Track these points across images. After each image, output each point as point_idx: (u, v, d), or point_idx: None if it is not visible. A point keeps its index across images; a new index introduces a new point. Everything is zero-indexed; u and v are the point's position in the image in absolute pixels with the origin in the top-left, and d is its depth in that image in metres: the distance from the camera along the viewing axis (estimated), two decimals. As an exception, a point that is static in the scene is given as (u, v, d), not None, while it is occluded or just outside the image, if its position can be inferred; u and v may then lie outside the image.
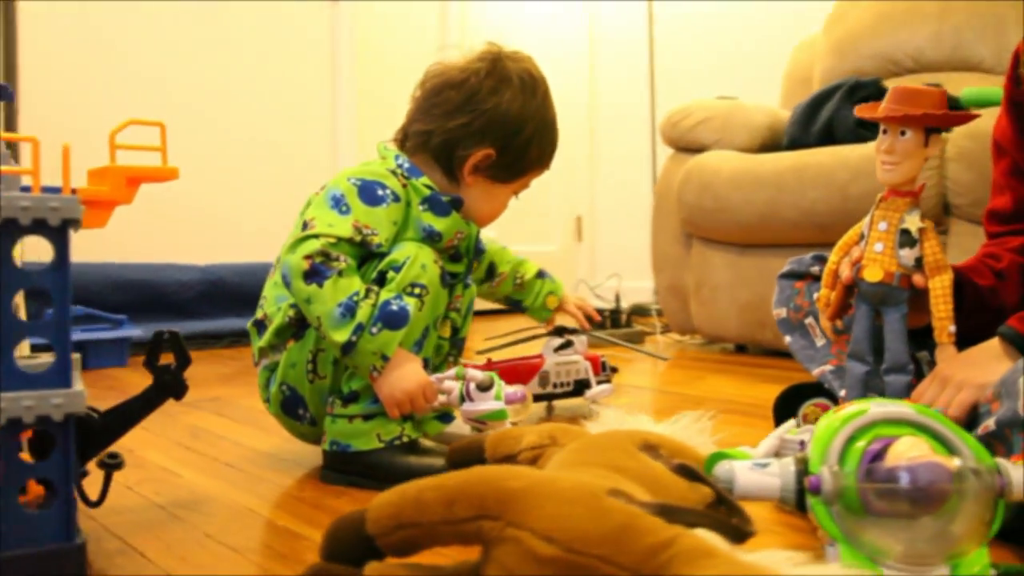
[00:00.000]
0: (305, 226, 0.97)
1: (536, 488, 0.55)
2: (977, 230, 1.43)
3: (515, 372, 1.33)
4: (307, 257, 0.92)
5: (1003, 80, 1.07)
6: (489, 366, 1.31)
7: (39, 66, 2.22)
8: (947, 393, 0.86)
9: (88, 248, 2.19)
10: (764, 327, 1.98)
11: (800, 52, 2.60)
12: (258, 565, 0.73)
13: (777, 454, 0.75)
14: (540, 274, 1.36)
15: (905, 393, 0.92)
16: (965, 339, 0.92)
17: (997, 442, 0.76)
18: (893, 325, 0.93)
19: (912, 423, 0.64)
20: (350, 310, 0.91)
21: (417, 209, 1.03)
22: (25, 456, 0.72)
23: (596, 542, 0.51)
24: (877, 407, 0.65)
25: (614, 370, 1.45)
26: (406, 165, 1.06)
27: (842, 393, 1.01)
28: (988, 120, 1.11)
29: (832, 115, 2.02)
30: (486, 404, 0.92)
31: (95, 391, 1.59)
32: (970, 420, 0.84)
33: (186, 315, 2.28)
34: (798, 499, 0.63)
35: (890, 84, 2.18)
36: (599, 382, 1.38)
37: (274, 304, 1.04)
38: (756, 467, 0.65)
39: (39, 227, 0.60)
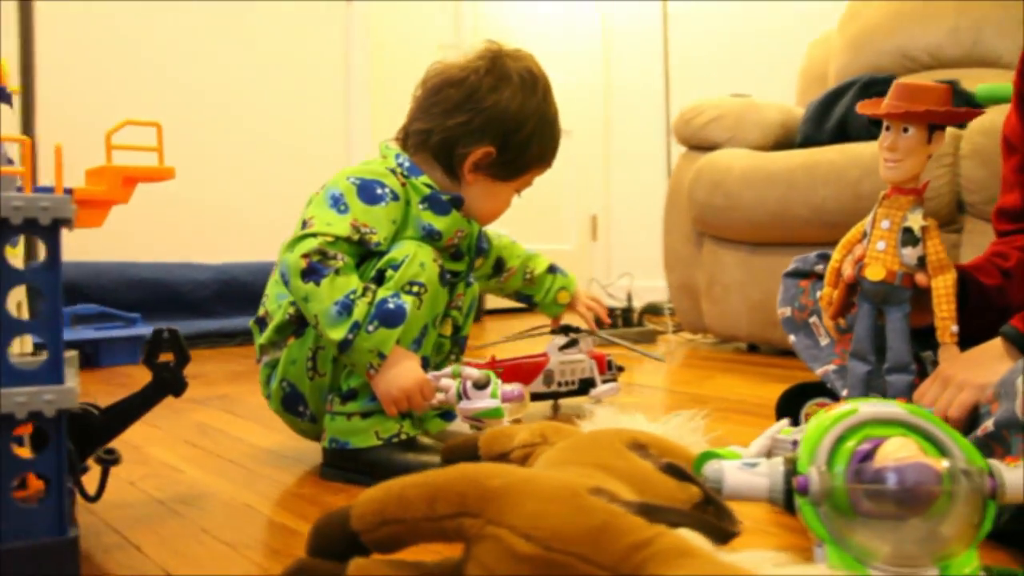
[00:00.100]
0: (304, 225, 0.97)
1: (517, 486, 0.55)
2: (992, 228, 1.41)
3: (519, 371, 1.33)
4: (305, 256, 0.93)
5: None
6: (493, 364, 1.31)
7: (56, 66, 2.24)
8: (948, 393, 0.85)
9: (105, 247, 2.23)
10: (775, 326, 1.95)
11: (815, 49, 2.58)
12: (251, 560, 0.73)
13: (769, 454, 0.74)
14: (552, 269, 1.34)
15: (907, 393, 0.91)
16: (971, 339, 0.90)
17: (996, 443, 0.75)
18: (895, 324, 0.92)
19: (903, 423, 0.63)
20: (347, 308, 0.91)
21: (416, 208, 1.03)
22: (24, 451, 0.74)
23: (574, 540, 0.51)
24: (867, 407, 0.64)
25: (620, 369, 1.44)
26: (406, 164, 1.06)
27: (844, 393, 1.00)
28: (1003, 117, 1.10)
29: (846, 112, 2.00)
30: (482, 402, 0.92)
31: (108, 388, 1.61)
32: (971, 421, 0.83)
33: (200, 314, 2.31)
34: (786, 499, 0.63)
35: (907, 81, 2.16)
36: (604, 381, 1.37)
37: (275, 302, 1.04)
38: (745, 467, 0.64)
39: (31, 226, 0.61)
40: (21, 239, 0.93)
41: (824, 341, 1.10)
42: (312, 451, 1.09)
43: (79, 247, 2.16)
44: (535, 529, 0.52)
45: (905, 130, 0.89)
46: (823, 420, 0.64)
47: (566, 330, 1.38)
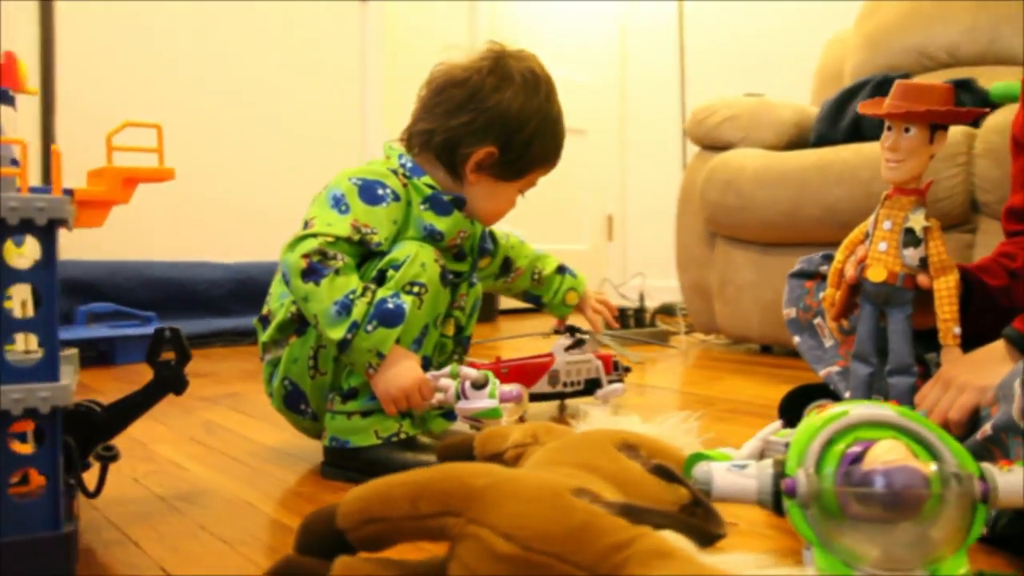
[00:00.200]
0: (305, 225, 0.98)
1: (500, 486, 0.55)
2: (1003, 229, 1.39)
3: (524, 371, 1.33)
4: (305, 256, 0.93)
5: None
6: (498, 364, 1.32)
7: (76, 66, 2.28)
8: (949, 396, 0.84)
9: (122, 246, 2.26)
10: (786, 328, 1.95)
11: (832, 48, 2.56)
12: (247, 557, 0.74)
13: (762, 456, 0.74)
14: (561, 270, 1.34)
15: (909, 395, 0.90)
16: (976, 340, 0.89)
17: (995, 447, 0.74)
18: (897, 326, 0.91)
19: (894, 426, 0.62)
20: (346, 308, 0.92)
21: (418, 208, 1.04)
22: (25, 447, 0.75)
23: (554, 540, 0.51)
24: (858, 409, 0.64)
25: (627, 370, 1.44)
26: (409, 164, 1.06)
27: (847, 395, 1.00)
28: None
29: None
30: (480, 402, 0.93)
31: (122, 385, 1.63)
32: (972, 424, 0.82)
33: (215, 312, 2.33)
34: (775, 502, 0.62)
35: (923, 79, 2.13)
36: (610, 381, 1.37)
37: (278, 300, 1.05)
38: (734, 469, 0.64)
39: (27, 226, 0.62)
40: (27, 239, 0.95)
41: (829, 342, 1.09)
42: (315, 449, 1.10)
43: (96, 246, 2.20)
44: (515, 529, 0.52)
45: (907, 130, 0.88)
46: (813, 422, 0.64)
47: (572, 330, 1.37)
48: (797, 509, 0.60)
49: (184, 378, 0.88)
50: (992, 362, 0.83)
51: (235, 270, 2.37)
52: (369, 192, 1.00)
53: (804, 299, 1.13)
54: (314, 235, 0.95)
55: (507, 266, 1.30)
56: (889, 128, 0.90)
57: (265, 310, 1.08)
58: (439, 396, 0.97)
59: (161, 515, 0.86)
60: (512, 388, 0.95)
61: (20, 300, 0.85)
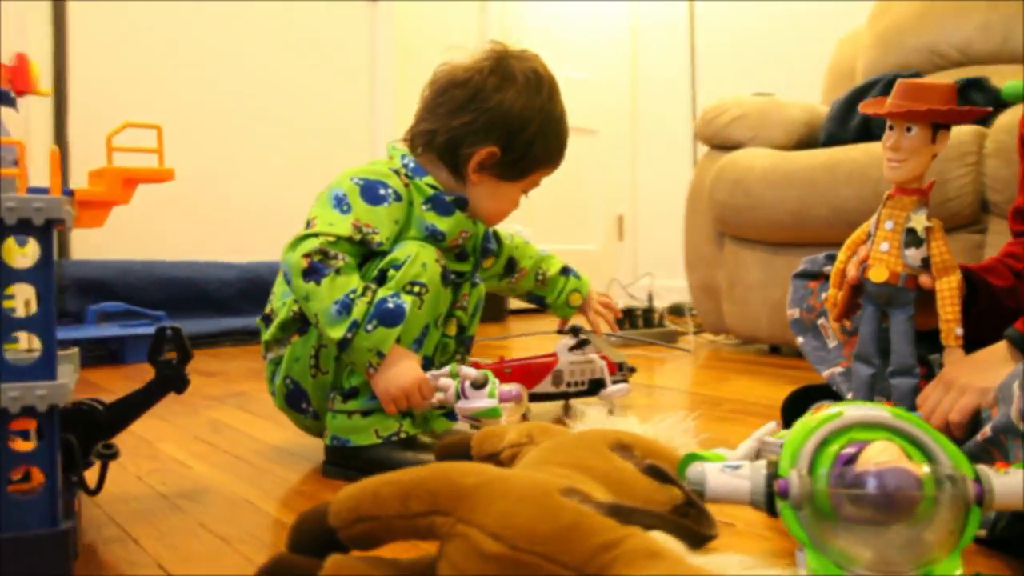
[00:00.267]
0: (307, 224, 0.99)
1: (489, 485, 0.55)
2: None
3: (528, 371, 1.33)
4: (306, 255, 0.94)
5: None
6: (501, 364, 1.32)
7: (89, 66, 2.30)
8: (950, 398, 0.83)
9: (133, 246, 2.28)
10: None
11: (844, 46, 2.54)
12: (243, 555, 0.74)
13: (758, 456, 0.73)
14: (565, 271, 1.33)
15: (911, 397, 0.90)
16: (980, 341, 0.88)
17: (995, 448, 0.74)
18: (899, 327, 0.90)
19: (888, 427, 0.62)
20: (346, 307, 0.92)
21: (420, 208, 1.04)
22: (27, 445, 0.76)
23: (541, 540, 0.51)
24: (853, 410, 0.63)
25: (632, 370, 1.44)
26: (411, 165, 1.07)
27: (849, 396, 0.99)
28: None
29: (870, 110, 1.96)
30: (480, 402, 0.93)
31: (131, 384, 1.63)
32: (973, 425, 0.81)
33: (226, 312, 2.34)
34: (768, 503, 0.62)
35: (935, 78, 2.11)
36: (615, 381, 1.37)
37: (280, 299, 1.06)
38: (727, 469, 0.64)
39: (24, 226, 0.62)
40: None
41: (832, 343, 1.08)
42: (318, 448, 1.10)
43: (108, 246, 2.22)
44: (503, 528, 0.52)
45: (908, 129, 0.87)
46: (807, 423, 0.64)
47: (576, 330, 1.37)
48: (790, 510, 0.60)
49: (185, 377, 0.89)
50: (994, 363, 0.82)
51: (245, 270, 2.39)
52: (371, 192, 1.01)
53: (808, 300, 1.12)
54: (315, 235, 0.95)
55: (511, 267, 1.30)
56: (891, 127, 0.90)
57: (268, 309, 1.09)
58: (439, 396, 0.97)
59: (162, 513, 0.87)
60: (511, 388, 0.95)
61: (24, 300, 0.86)
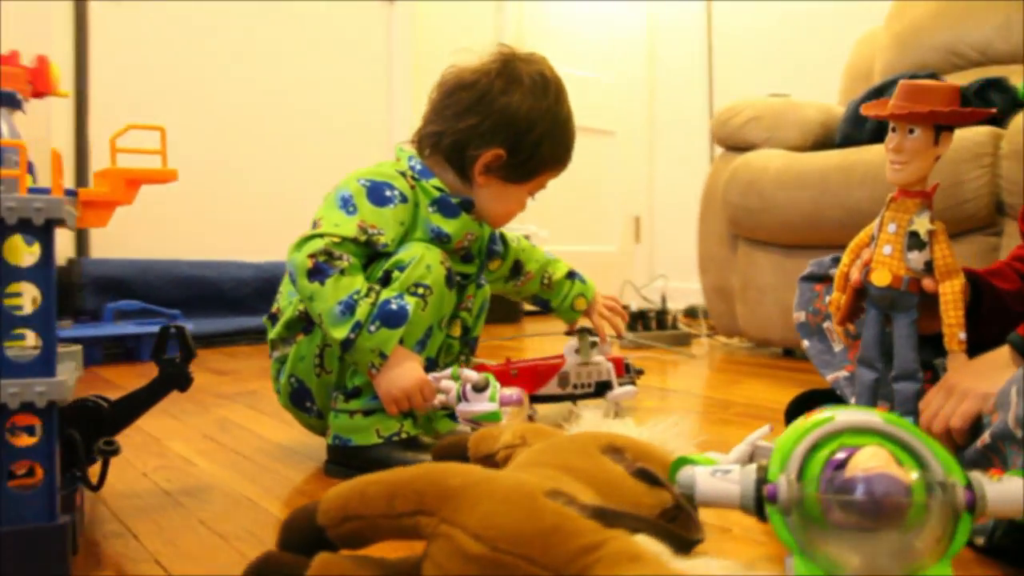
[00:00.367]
0: (314, 225, 1.00)
1: (474, 487, 0.55)
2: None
3: (534, 373, 1.33)
4: (311, 256, 0.95)
5: None
6: (507, 366, 1.32)
7: (109, 66, 2.33)
8: (951, 403, 0.83)
9: (151, 245, 2.31)
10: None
11: (861, 46, 2.51)
12: (239, 551, 0.75)
13: (751, 460, 0.73)
14: (571, 275, 1.34)
15: (914, 401, 0.89)
16: (986, 345, 0.87)
17: (993, 455, 0.73)
18: (902, 331, 0.90)
19: (880, 433, 0.61)
20: (350, 308, 0.93)
21: (426, 210, 1.05)
22: (30, 440, 0.77)
23: (522, 542, 0.51)
24: (844, 415, 0.63)
25: (639, 372, 1.43)
26: (418, 167, 1.07)
27: (852, 400, 0.98)
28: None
29: (886, 112, 1.94)
30: (480, 405, 0.93)
31: (144, 382, 1.66)
32: (974, 431, 0.80)
33: (242, 311, 2.37)
34: (758, 507, 0.62)
35: (953, 78, 2.09)
36: (622, 384, 1.37)
37: (287, 299, 1.07)
38: (718, 473, 0.64)
39: (25, 226, 0.64)
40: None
41: (838, 347, 1.08)
42: (323, 447, 1.11)
43: (125, 245, 2.25)
44: (485, 529, 0.52)
45: (911, 131, 0.86)
46: (797, 428, 0.63)
47: (583, 332, 1.37)
48: (778, 515, 0.60)
49: (188, 375, 0.90)
50: (996, 369, 0.81)
51: (261, 269, 2.41)
52: (377, 193, 1.02)
53: (814, 303, 1.11)
54: (321, 235, 0.96)
55: (517, 269, 1.30)
56: (894, 129, 0.89)
57: (274, 307, 1.10)
58: (440, 398, 0.97)
59: (164, 509, 0.88)
60: (512, 392, 0.95)
61: (31, 297, 0.87)
